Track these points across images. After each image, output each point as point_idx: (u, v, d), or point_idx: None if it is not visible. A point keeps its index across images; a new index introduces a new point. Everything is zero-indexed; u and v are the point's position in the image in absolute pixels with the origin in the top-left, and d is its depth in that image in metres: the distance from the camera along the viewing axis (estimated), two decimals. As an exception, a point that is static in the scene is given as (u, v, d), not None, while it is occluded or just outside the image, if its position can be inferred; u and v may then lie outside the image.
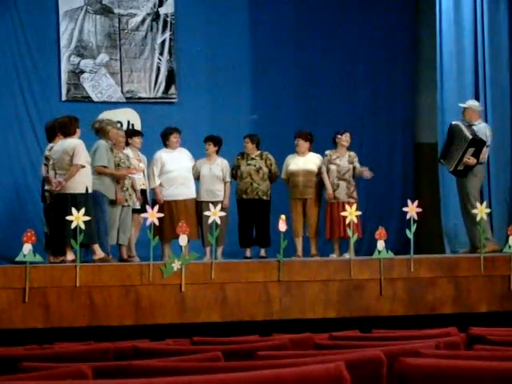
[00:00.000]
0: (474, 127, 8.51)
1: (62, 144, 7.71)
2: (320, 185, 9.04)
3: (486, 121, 9.39)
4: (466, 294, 7.82)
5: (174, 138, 8.92)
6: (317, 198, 9.01)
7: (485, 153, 8.45)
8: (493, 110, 9.41)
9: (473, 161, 8.39)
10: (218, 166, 8.97)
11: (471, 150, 8.34)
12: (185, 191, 8.80)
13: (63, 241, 7.43)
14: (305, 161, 9.03)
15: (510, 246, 7.74)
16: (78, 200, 7.45)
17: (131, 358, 4.55)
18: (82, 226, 7.03)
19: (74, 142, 7.64)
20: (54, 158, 7.72)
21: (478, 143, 8.34)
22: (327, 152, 9.07)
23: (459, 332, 5.36)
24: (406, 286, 7.72)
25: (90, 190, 7.65)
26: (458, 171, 8.50)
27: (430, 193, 10.05)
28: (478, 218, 8.05)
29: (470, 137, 8.34)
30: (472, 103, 8.69)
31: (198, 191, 8.93)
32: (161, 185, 8.78)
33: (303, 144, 9.07)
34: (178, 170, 8.81)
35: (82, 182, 7.59)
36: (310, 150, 9.14)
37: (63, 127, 7.77)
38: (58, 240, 7.57)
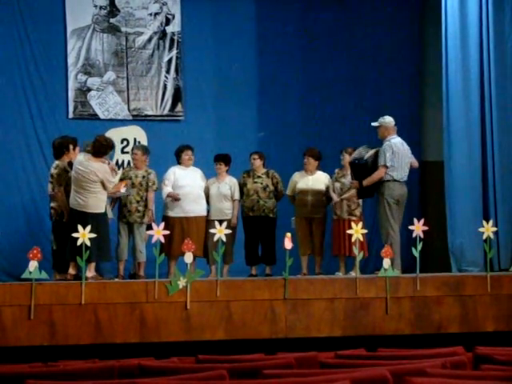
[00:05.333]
0: (382, 147, 8.46)
1: (93, 165, 7.79)
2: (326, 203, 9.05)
3: (492, 139, 9.39)
4: (473, 313, 7.79)
5: (185, 156, 8.94)
6: (323, 217, 9.01)
7: (377, 175, 8.31)
8: (499, 129, 9.40)
9: (354, 184, 8.53)
10: (226, 185, 8.97)
11: (351, 175, 8.61)
12: (196, 208, 8.80)
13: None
14: (314, 180, 9.03)
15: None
16: (98, 219, 7.68)
17: (136, 376, 4.54)
18: (88, 243, 7.09)
19: (104, 167, 7.83)
20: (80, 174, 7.76)
21: (357, 166, 8.50)
22: (336, 170, 9.10)
23: (466, 351, 5.34)
24: (412, 305, 7.69)
25: (103, 210, 7.89)
26: (360, 194, 8.63)
27: (436, 211, 10.03)
28: (484, 237, 8.04)
29: (350, 161, 8.64)
30: (383, 120, 8.58)
31: (208, 210, 8.94)
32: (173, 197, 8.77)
33: (313, 162, 9.08)
34: (190, 187, 8.81)
35: (102, 200, 7.82)
36: (317, 169, 9.15)
37: (99, 146, 7.90)
38: (74, 256, 7.54)
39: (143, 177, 8.58)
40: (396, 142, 8.49)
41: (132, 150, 9.30)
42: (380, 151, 8.41)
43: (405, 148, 8.54)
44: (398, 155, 8.41)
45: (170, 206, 8.79)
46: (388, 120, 8.58)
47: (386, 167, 8.31)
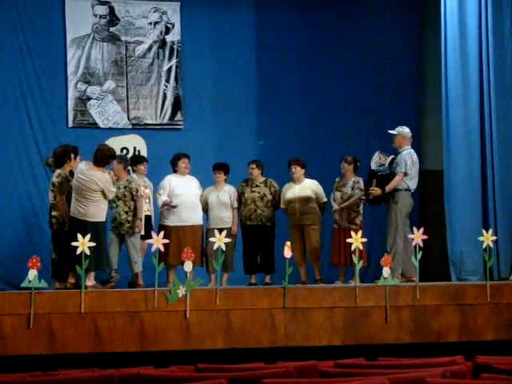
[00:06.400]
0: (398, 155, 8.57)
1: (94, 175, 7.79)
2: (321, 210, 9.05)
3: (492, 148, 9.40)
4: (473, 322, 7.78)
5: (182, 164, 8.95)
6: (316, 223, 9.00)
7: (397, 181, 8.44)
8: (498, 137, 9.41)
9: (377, 192, 8.49)
10: (225, 193, 8.98)
11: (374, 181, 8.54)
12: (192, 217, 8.80)
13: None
14: (301, 188, 9.05)
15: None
16: (98, 228, 7.69)
17: (135, 385, 4.53)
18: (88, 252, 7.09)
19: (105, 176, 7.83)
20: (81, 183, 7.76)
21: (378, 176, 8.54)
22: (337, 179, 9.13)
23: (465, 360, 5.34)
24: (411, 314, 7.68)
25: (104, 219, 7.90)
26: (371, 200, 8.66)
27: (435, 220, 10.03)
28: (484, 246, 8.04)
29: (372, 168, 8.61)
30: (401, 129, 8.73)
31: (207, 219, 8.94)
32: (168, 209, 8.77)
33: (300, 170, 9.11)
34: (186, 195, 8.81)
35: (103, 209, 7.84)
36: (304, 177, 9.16)
37: (101, 155, 7.90)
38: (74, 265, 7.52)
39: (125, 187, 8.50)
40: (413, 152, 8.66)
41: None
42: (400, 158, 8.55)
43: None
44: (415, 165, 8.59)
45: (166, 214, 8.79)
46: (406, 130, 8.76)
47: (406, 175, 8.44)
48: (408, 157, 8.53)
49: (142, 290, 7.72)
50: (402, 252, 8.35)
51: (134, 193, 8.47)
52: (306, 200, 8.97)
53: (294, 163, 9.12)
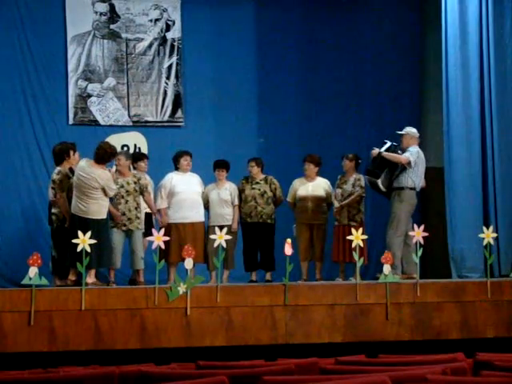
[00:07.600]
0: (406, 152, 8.73)
1: (94, 172, 7.79)
2: (328, 210, 9.07)
3: (492, 146, 9.42)
4: (473, 319, 7.79)
5: (184, 161, 8.94)
6: (326, 223, 9.02)
7: (399, 157, 8.58)
8: (499, 135, 9.42)
9: (375, 151, 8.68)
10: (226, 190, 8.98)
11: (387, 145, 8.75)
12: (193, 214, 8.79)
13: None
14: (314, 186, 9.05)
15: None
16: (100, 225, 7.69)
17: (136, 382, 4.55)
18: (88, 249, 7.09)
19: (106, 174, 7.84)
20: (81, 180, 7.75)
21: (390, 146, 8.74)
22: (339, 176, 9.16)
23: (466, 357, 5.34)
24: (412, 311, 7.69)
25: (105, 216, 7.89)
26: (370, 171, 8.77)
27: (436, 217, 10.03)
28: (484, 243, 8.04)
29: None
30: (409, 129, 8.87)
31: (208, 216, 8.94)
32: (168, 208, 8.77)
33: (313, 169, 9.09)
34: (187, 193, 8.81)
35: (104, 207, 7.83)
36: (317, 175, 9.16)
37: (103, 153, 7.90)
38: (74, 262, 7.52)
39: (135, 182, 8.51)
40: (421, 151, 8.80)
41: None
42: (407, 151, 8.69)
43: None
44: (422, 163, 8.71)
45: (166, 211, 8.79)
46: (414, 130, 8.91)
47: (409, 163, 8.56)
48: (415, 152, 8.67)
49: (142, 287, 7.73)
50: (400, 249, 8.39)
51: (145, 189, 8.49)
52: (319, 199, 8.99)
53: (308, 160, 9.12)
